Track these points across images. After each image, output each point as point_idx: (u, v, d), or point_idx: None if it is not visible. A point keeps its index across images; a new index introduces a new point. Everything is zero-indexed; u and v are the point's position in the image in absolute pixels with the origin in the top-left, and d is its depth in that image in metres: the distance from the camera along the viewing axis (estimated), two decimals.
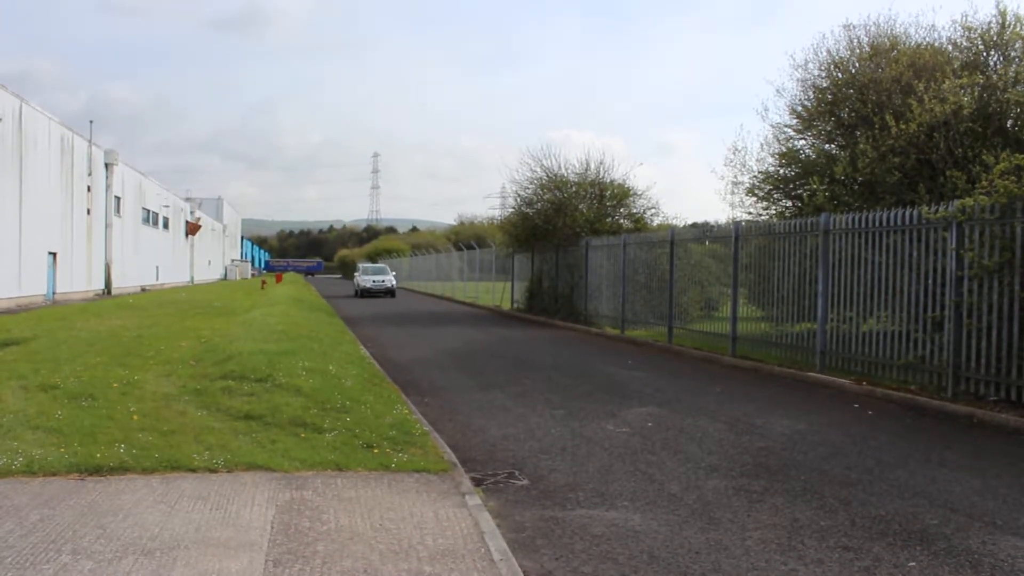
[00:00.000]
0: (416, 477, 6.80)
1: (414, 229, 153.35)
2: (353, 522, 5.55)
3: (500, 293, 36.84)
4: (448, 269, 52.68)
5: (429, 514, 5.82)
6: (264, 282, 57.48)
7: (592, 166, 28.56)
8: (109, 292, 41.13)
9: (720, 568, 5.15)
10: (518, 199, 30.47)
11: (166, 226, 59.25)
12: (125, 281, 45.14)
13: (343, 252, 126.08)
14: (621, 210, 28.33)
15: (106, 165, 41.52)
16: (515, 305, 32.88)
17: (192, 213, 70.36)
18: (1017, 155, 11.12)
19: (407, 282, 64.51)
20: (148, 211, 52.87)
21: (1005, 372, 10.36)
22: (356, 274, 53.73)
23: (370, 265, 57.14)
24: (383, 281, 49.30)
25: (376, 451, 7.53)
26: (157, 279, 54.91)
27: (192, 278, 69.55)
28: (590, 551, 5.47)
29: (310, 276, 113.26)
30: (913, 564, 5.24)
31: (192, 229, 68.75)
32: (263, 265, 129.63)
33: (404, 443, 7.86)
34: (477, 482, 7.05)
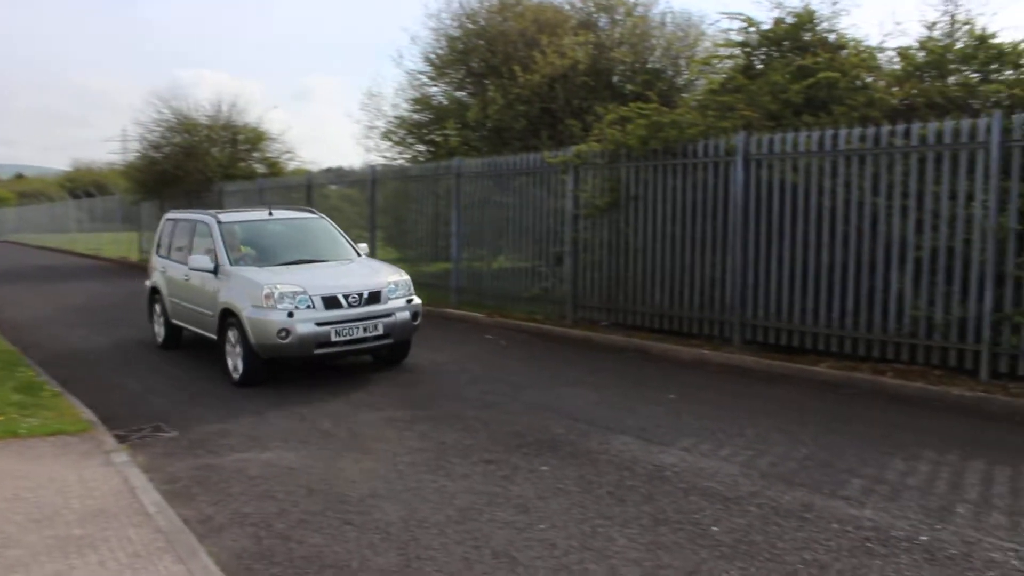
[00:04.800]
0: (51, 441, 6.27)
1: (20, 176, 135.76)
2: None
3: (127, 244, 34.09)
4: (64, 220, 47.33)
5: (72, 477, 5.40)
6: None
7: (224, 109, 27.19)
8: None
9: (377, 492, 5.38)
10: (144, 142, 28.21)
11: None
12: None
13: None
14: (255, 155, 27.45)
15: None
16: (144, 256, 30.63)
17: None
18: (622, 107, 12.43)
19: (15, 235, 57.23)
20: None
21: (613, 299, 11.71)
22: (197, 257, 9.39)
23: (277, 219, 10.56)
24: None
25: (1, 418, 6.77)
26: None
27: None
28: (248, 492, 5.43)
29: None
30: (545, 468, 5.85)
31: None
32: None
33: (33, 407, 7.22)
34: (121, 439, 6.65)
